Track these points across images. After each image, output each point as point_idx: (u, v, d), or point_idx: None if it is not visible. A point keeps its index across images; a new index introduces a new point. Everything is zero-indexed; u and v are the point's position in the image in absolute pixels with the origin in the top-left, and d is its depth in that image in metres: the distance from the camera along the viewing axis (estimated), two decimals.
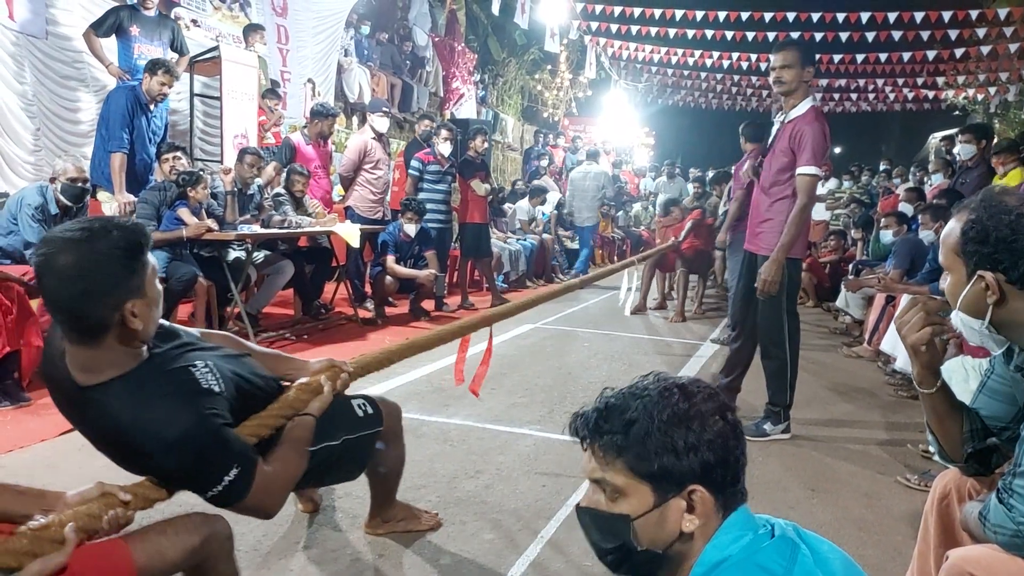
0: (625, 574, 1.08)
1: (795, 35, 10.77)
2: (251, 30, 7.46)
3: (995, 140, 6.56)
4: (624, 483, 1.02)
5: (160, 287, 1.55)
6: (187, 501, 1.70)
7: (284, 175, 6.14)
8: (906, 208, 6.69)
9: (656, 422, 1.00)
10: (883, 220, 6.61)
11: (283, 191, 5.98)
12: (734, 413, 1.06)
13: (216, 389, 1.59)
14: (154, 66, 5.33)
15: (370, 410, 2.15)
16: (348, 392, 2.17)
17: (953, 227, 1.42)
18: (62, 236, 1.42)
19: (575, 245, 11.11)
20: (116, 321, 1.43)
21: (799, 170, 3.48)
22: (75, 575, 1.32)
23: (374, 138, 6.80)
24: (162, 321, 1.65)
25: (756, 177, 3.78)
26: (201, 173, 5.07)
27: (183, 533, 1.51)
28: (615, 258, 12.31)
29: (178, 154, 5.35)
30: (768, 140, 3.85)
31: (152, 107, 5.47)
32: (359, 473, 2.18)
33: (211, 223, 4.90)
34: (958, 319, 1.43)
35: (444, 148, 7.02)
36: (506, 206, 10.15)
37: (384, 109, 7.01)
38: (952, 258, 1.42)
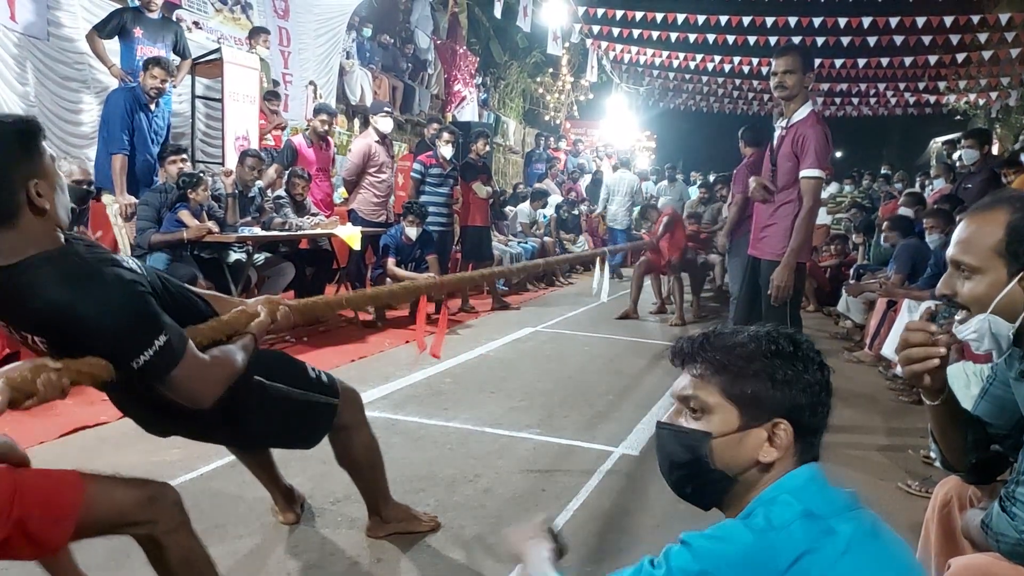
0: (686, 494, 1.13)
1: (796, 40, 10.76)
2: (256, 32, 7.48)
3: (994, 145, 6.54)
4: (715, 402, 1.07)
5: (63, 177, 1.64)
6: None
7: (285, 178, 6.15)
8: (906, 212, 6.67)
9: (762, 350, 1.06)
10: (884, 224, 6.59)
11: (284, 194, 5.99)
12: (830, 373, 1.11)
13: (139, 272, 1.67)
14: (147, 63, 5.34)
15: (324, 378, 2.21)
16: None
17: (989, 227, 1.35)
18: None
19: (576, 247, 11.11)
20: (23, 200, 1.51)
21: (803, 173, 3.49)
22: (25, 491, 1.41)
23: (377, 141, 6.80)
24: (90, 240, 1.76)
25: (770, 194, 3.70)
26: (202, 175, 5.08)
27: (132, 485, 1.60)
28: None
29: (182, 156, 5.36)
30: (768, 145, 3.84)
31: (152, 107, 5.47)
32: (315, 440, 2.21)
33: (212, 225, 4.89)
34: (984, 324, 1.35)
35: (446, 151, 7.03)
36: (507, 209, 10.17)
37: (386, 110, 7.00)
38: (989, 258, 1.34)
